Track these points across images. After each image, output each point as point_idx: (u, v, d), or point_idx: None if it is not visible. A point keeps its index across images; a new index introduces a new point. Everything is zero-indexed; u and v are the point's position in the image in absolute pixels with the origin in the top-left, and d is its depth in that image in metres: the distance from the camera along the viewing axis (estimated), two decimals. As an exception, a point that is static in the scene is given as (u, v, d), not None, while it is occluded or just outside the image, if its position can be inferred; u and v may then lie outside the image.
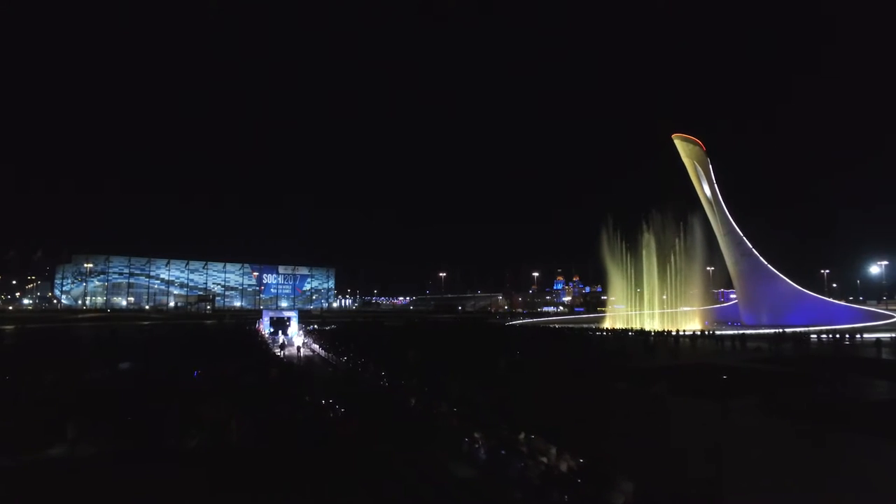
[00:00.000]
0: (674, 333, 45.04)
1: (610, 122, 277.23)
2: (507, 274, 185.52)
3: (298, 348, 34.27)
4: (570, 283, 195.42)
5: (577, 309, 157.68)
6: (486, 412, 13.15)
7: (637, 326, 63.67)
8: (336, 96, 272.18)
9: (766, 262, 74.33)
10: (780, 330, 45.38)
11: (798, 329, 48.11)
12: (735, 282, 77.31)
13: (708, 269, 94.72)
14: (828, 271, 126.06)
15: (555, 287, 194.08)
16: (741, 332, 46.58)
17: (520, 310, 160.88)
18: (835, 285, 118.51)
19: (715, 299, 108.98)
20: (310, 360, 29.13)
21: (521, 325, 74.70)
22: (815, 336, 42.08)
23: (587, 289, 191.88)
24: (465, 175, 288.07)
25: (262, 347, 31.14)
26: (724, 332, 45.36)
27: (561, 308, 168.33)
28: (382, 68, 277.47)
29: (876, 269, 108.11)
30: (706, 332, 45.64)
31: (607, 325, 70.92)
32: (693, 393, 18.51)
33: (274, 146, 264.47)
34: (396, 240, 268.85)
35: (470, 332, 50.61)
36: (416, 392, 15.26)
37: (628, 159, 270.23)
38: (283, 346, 33.34)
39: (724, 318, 78.43)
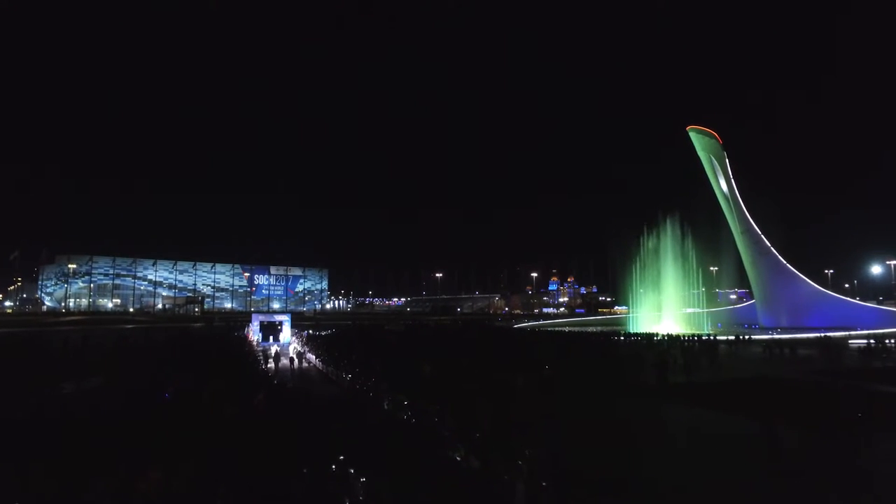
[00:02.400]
0: (705, 339, 40.97)
1: (610, 118, 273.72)
2: (502, 275, 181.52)
3: (292, 360, 29.72)
4: (566, 284, 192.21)
5: (577, 310, 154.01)
6: (562, 467, 8.92)
7: (653, 330, 60.03)
8: (329, 94, 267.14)
9: (784, 262, 70.95)
10: (823, 334, 41.43)
11: (838, 333, 44.21)
12: (753, 282, 73.70)
13: (711, 269, 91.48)
14: (832, 271, 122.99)
15: (549, 288, 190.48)
16: (779, 336, 42.53)
17: (518, 311, 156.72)
18: (847, 285, 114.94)
19: (716, 300, 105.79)
20: (306, 377, 24.70)
21: (530, 328, 70.42)
22: (864, 342, 38.03)
23: (582, 289, 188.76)
24: (460, 174, 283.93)
25: (249, 360, 26.55)
26: (761, 337, 41.39)
27: (562, 310, 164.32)
28: (378, 66, 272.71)
29: (877, 269, 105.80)
30: (742, 338, 41.46)
31: (624, 327, 67.17)
32: (812, 427, 14.16)
33: (265, 144, 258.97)
34: (390, 240, 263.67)
35: (480, 338, 46.17)
36: (459, 434, 10.90)
37: (629, 157, 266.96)
38: (275, 358, 28.71)
39: (741, 319, 74.69)
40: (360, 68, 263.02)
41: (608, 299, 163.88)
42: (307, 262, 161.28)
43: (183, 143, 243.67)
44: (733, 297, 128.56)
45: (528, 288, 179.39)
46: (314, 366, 30.20)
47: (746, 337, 42.13)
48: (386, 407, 14.88)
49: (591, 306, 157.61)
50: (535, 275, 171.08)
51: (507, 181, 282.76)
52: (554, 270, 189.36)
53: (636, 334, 49.87)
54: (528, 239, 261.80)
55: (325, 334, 51.82)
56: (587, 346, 37.33)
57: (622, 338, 47.88)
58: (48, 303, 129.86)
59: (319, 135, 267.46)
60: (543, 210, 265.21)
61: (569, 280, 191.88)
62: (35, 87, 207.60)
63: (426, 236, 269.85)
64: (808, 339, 39.03)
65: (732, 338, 41.41)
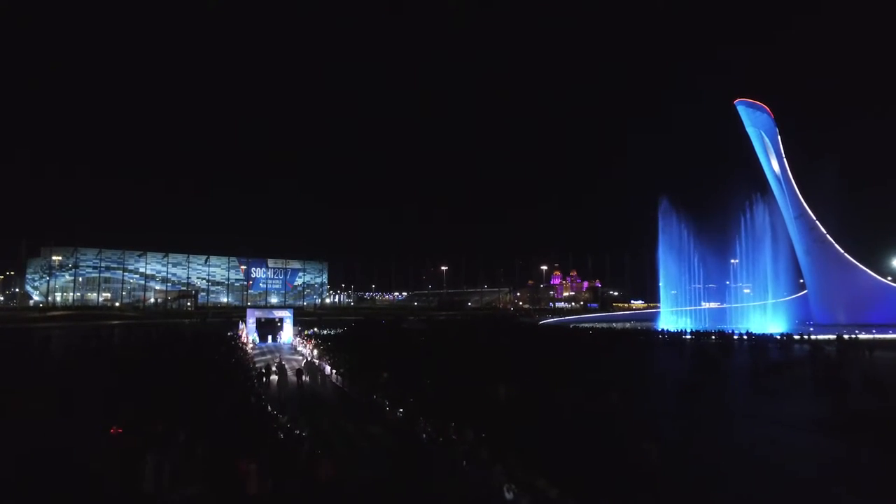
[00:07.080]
0: (797, 338, 33.72)
1: (617, 100, 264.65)
2: (503, 269, 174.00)
3: (299, 372, 22.17)
4: (568, 279, 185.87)
5: (590, 305, 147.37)
6: None
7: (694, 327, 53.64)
8: (329, 86, 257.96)
9: (842, 251, 63.86)
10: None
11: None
12: (806, 273, 66.54)
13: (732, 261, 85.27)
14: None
15: (552, 282, 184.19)
16: (879, 336, 35.20)
17: (527, 306, 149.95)
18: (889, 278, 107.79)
19: (744, 294, 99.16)
20: (321, 402, 17.16)
21: (558, 325, 63.10)
22: None
23: (585, 284, 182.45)
24: (460, 169, 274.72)
25: (241, 377, 18.91)
26: (868, 337, 34.18)
27: (573, 304, 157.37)
28: (377, 59, 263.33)
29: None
30: (846, 338, 34.07)
31: (665, 325, 60.22)
32: None
33: (262, 134, 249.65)
34: (391, 233, 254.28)
35: (515, 339, 39.02)
36: None
37: (630, 150, 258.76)
38: (279, 372, 20.81)
39: (791, 315, 67.43)
40: (359, 64, 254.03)
41: (616, 293, 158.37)
42: (306, 254, 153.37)
43: (178, 135, 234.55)
44: (747, 290, 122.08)
45: (531, 282, 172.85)
46: (329, 379, 22.83)
47: (850, 336, 34.68)
48: (509, 497, 7.45)
49: (605, 301, 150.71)
50: (544, 268, 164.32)
51: (508, 178, 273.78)
52: (556, 265, 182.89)
53: (703, 333, 42.51)
54: (531, 233, 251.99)
55: (334, 334, 44.53)
56: (657, 349, 30.09)
57: (690, 336, 40.54)
58: (35, 297, 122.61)
59: (319, 130, 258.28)
60: (546, 204, 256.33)
61: (571, 274, 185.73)
62: (19, 78, 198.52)
63: (428, 230, 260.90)
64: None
65: (833, 337, 34.09)
